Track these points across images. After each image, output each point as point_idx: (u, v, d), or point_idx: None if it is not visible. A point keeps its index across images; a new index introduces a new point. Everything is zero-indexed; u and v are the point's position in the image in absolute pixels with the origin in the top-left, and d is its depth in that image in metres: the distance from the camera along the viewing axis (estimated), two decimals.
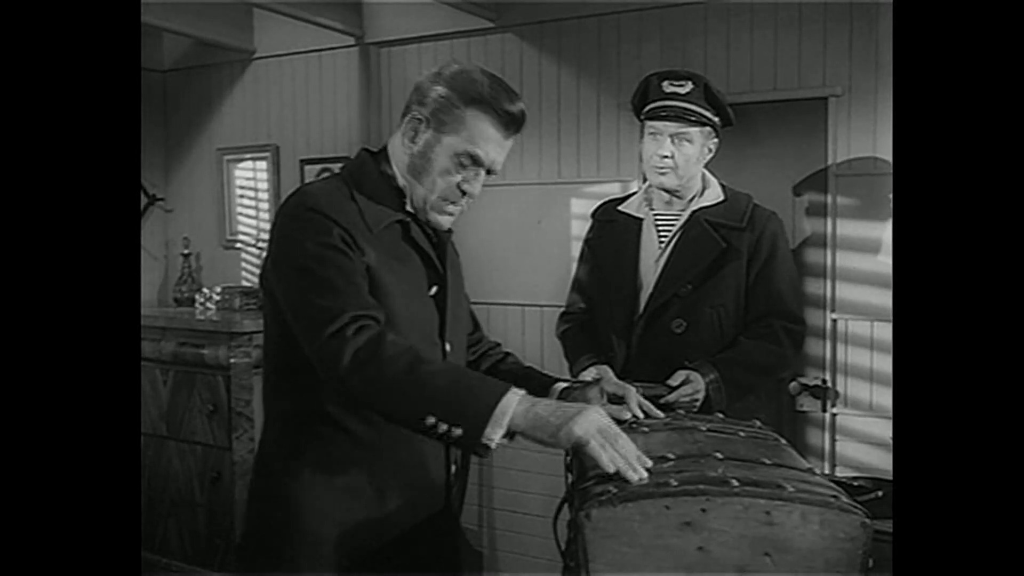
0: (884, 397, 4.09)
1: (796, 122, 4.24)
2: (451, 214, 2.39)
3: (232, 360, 4.96)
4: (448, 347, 2.42)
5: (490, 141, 2.29)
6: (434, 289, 2.40)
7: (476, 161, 2.30)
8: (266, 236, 5.71)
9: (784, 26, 4.24)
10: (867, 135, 4.07)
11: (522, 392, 2.06)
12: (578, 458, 2.18)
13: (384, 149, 2.39)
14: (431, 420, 2.00)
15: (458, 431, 2.01)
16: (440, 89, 2.27)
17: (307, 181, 2.41)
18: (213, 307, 5.57)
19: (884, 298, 4.05)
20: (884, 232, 4.06)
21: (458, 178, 2.31)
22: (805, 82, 4.21)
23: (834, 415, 4.19)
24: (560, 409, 2.05)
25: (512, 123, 2.31)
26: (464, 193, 2.34)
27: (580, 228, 3.86)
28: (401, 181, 2.34)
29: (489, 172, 2.35)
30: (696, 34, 4.45)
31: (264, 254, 2.34)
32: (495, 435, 2.02)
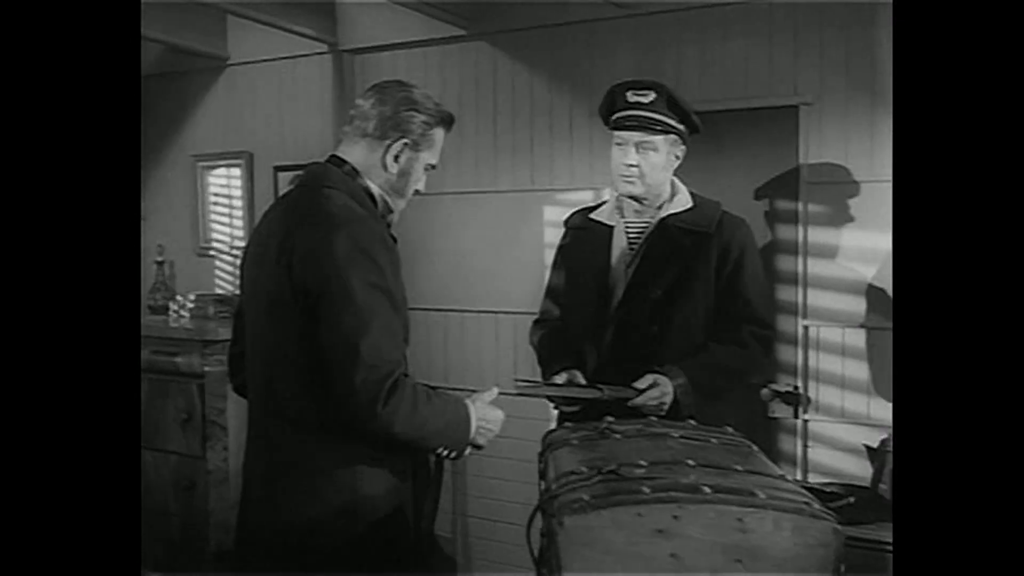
0: (856, 403, 4.11)
1: (767, 130, 4.26)
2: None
3: (206, 368, 4.93)
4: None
5: (440, 147, 2.73)
6: None
7: (434, 167, 2.73)
8: (241, 244, 5.71)
9: (756, 35, 4.27)
10: (838, 143, 4.10)
11: (470, 402, 2.62)
12: (550, 465, 2.19)
13: (346, 163, 2.62)
14: (442, 452, 2.58)
15: (454, 454, 2.59)
16: (421, 116, 2.61)
17: (287, 188, 2.65)
18: (187, 315, 5.53)
19: (853, 304, 4.09)
20: (851, 239, 4.09)
21: (421, 183, 2.72)
22: (776, 90, 4.24)
23: (806, 421, 4.21)
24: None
25: (452, 124, 2.75)
26: (418, 192, 2.73)
27: (553, 235, 3.88)
28: (377, 193, 2.63)
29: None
30: (669, 43, 4.47)
31: (297, 269, 2.44)
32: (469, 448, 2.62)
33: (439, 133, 2.68)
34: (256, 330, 2.62)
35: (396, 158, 2.61)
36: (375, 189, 2.62)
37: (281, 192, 5.13)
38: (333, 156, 2.65)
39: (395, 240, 2.60)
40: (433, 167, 2.72)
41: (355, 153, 2.62)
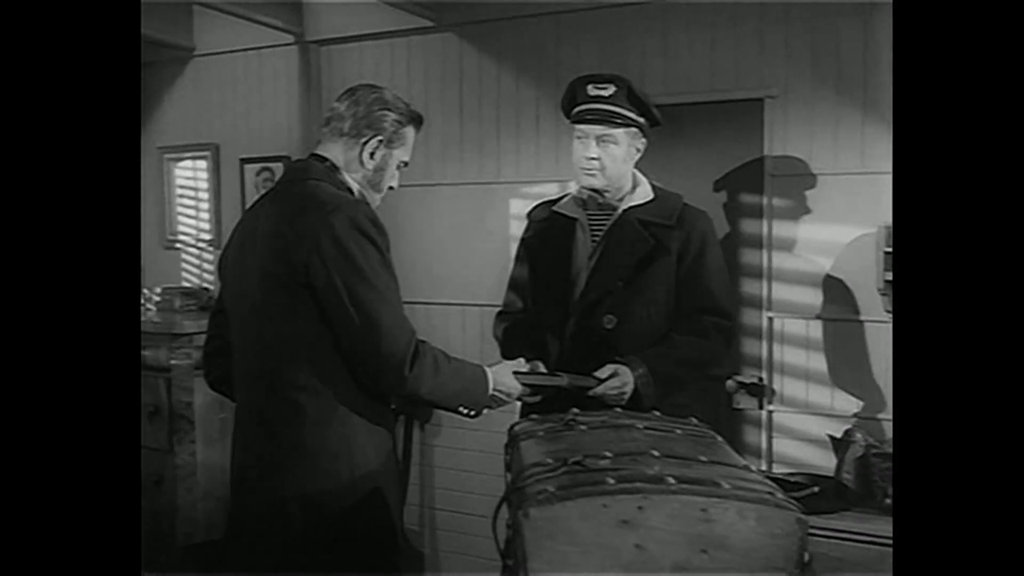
0: (820, 394, 4.15)
1: (733, 122, 4.28)
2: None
3: (173, 362, 4.91)
4: None
5: (412, 145, 2.88)
6: None
7: (406, 164, 2.88)
8: (208, 237, 5.71)
9: (721, 27, 4.28)
10: (803, 136, 4.12)
11: (488, 368, 2.80)
12: (516, 457, 2.20)
13: (326, 160, 2.76)
14: (462, 410, 2.72)
15: (473, 412, 2.75)
16: (392, 115, 2.77)
17: (267, 185, 2.82)
18: (153, 308, 5.51)
19: (814, 296, 4.15)
20: (812, 230, 4.13)
21: (394, 178, 2.87)
22: (742, 83, 4.26)
23: (770, 412, 4.24)
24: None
25: (421, 125, 2.91)
26: (391, 188, 2.88)
27: (519, 228, 3.89)
28: (356, 188, 2.77)
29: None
30: (634, 35, 4.48)
31: (299, 255, 2.55)
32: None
33: (410, 131, 2.83)
34: (250, 321, 2.69)
35: (372, 154, 2.76)
36: (354, 184, 2.76)
37: (246, 184, 5.13)
38: (313, 155, 2.79)
39: None
40: (405, 164, 2.87)
41: (334, 151, 2.77)
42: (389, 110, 2.78)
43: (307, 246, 2.52)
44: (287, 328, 2.59)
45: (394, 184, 2.87)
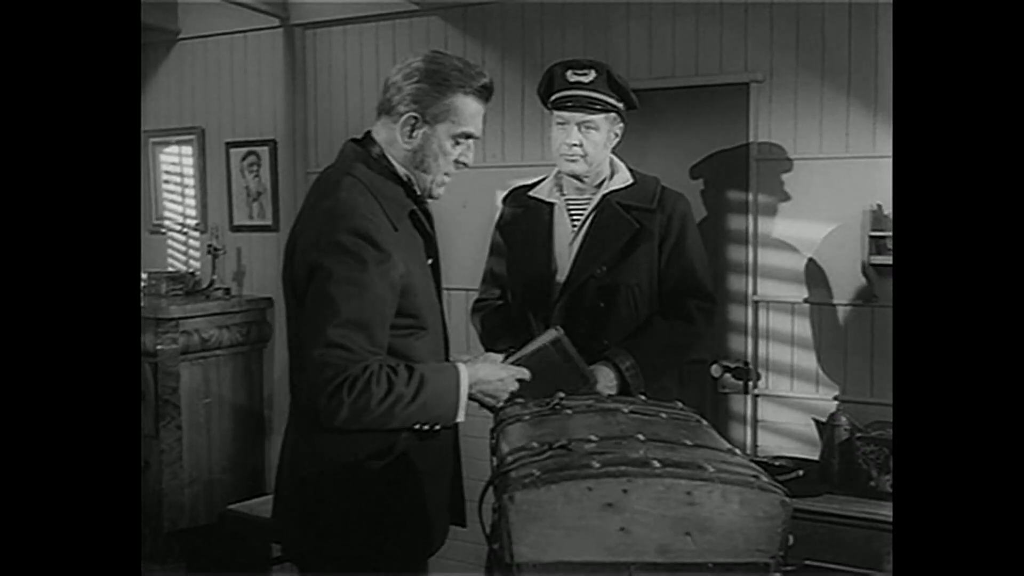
0: (805, 378, 4.18)
1: (718, 107, 4.29)
2: (445, 184, 2.67)
3: (159, 347, 4.90)
4: (444, 307, 2.77)
5: (475, 115, 2.62)
6: (430, 260, 2.72)
7: (468, 136, 2.62)
8: (193, 221, 5.70)
9: (706, 11, 4.28)
10: (787, 120, 4.13)
11: (461, 365, 2.57)
12: (501, 441, 2.21)
13: (375, 143, 2.61)
14: (418, 427, 2.51)
15: (438, 426, 2.55)
16: (424, 86, 2.53)
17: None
18: (139, 293, 5.50)
19: (798, 280, 4.17)
20: (797, 215, 4.14)
21: (455, 154, 2.61)
22: (727, 67, 4.26)
23: (756, 396, 4.25)
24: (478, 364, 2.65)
25: (487, 93, 2.65)
26: (461, 164, 2.65)
27: None
28: (403, 172, 2.60)
29: (475, 138, 2.66)
30: (619, 19, 4.48)
31: (294, 260, 2.50)
32: (462, 415, 2.54)
33: (460, 102, 2.57)
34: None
35: (411, 133, 2.56)
36: (400, 168, 2.60)
37: (232, 168, 5.12)
38: (367, 134, 2.65)
39: (424, 221, 2.68)
40: (467, 136, 2.62)
41: (381, 130, 2.61)
42: (421, 81, 2.53)
43: (297, 255, 2.46)
44: (286, 324, 2.63)
45: (464, 159, 2.64)
